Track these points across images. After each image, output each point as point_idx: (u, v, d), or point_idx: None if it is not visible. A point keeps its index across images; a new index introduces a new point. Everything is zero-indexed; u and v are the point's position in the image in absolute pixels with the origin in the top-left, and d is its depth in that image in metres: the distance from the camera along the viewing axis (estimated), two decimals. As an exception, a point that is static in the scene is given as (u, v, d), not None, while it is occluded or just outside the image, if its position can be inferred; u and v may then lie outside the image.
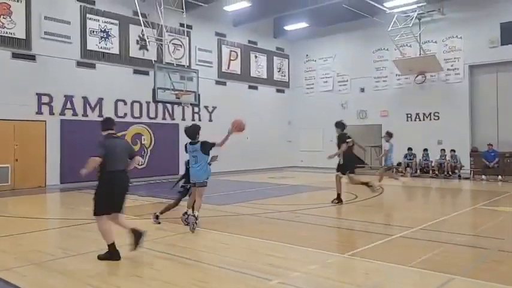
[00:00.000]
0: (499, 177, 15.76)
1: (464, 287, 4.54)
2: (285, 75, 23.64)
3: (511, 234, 7.22)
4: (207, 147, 7.17)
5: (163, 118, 17.96)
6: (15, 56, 13.86)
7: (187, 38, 18.36)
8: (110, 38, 16.13)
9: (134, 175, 16.15)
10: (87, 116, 15.49)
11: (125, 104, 16.66)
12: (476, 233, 7.30)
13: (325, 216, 8.75)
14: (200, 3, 17.24)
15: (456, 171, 17.01)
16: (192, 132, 7.25)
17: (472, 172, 16.94)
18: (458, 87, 18.18)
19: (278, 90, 23.26)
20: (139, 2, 15.24)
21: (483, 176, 16.05)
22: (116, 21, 16.33)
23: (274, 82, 22.96)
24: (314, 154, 21.59)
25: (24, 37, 14.00)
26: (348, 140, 9.98)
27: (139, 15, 15.18)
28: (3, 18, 13.57)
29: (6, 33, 13.63)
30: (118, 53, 16.39)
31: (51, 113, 14.63)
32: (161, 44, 16.20)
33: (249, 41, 21.66)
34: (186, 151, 7.40)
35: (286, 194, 12.41)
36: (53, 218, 9.63)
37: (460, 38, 18.14)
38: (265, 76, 22.43)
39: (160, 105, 17.57)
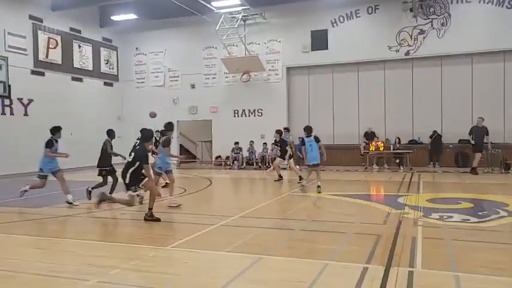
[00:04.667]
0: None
1: (270, 264, 5.11)
2: (113, 68, 22.55)
3: (312, 215, 8.48)
4: (318, 138, 11.20)
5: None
6: None
7: (-5, 19, 16.03)
8: None
9: None
10: None
11: None
12: (284, 217, 8.29)
13: (156, 212, 8.74)
14: (10, -18, 15.24)
15: (277, 162, 18.82)
16: (310, 129, 11.32)
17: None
18: (278, 86, 20.10)
19: (106, 83, 22.08)
20: None
21: (297, 166, 18.07)
22: None
23: (101, 74, 21.70)
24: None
25: None
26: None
27: None
28: None
29: None
30: None
31: None
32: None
33: (71, 29, 19.96)
34: (303, 143, 11.24)
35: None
36: None
37: (279, 42, 20.03)
38: (91, 68, 21.01)
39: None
